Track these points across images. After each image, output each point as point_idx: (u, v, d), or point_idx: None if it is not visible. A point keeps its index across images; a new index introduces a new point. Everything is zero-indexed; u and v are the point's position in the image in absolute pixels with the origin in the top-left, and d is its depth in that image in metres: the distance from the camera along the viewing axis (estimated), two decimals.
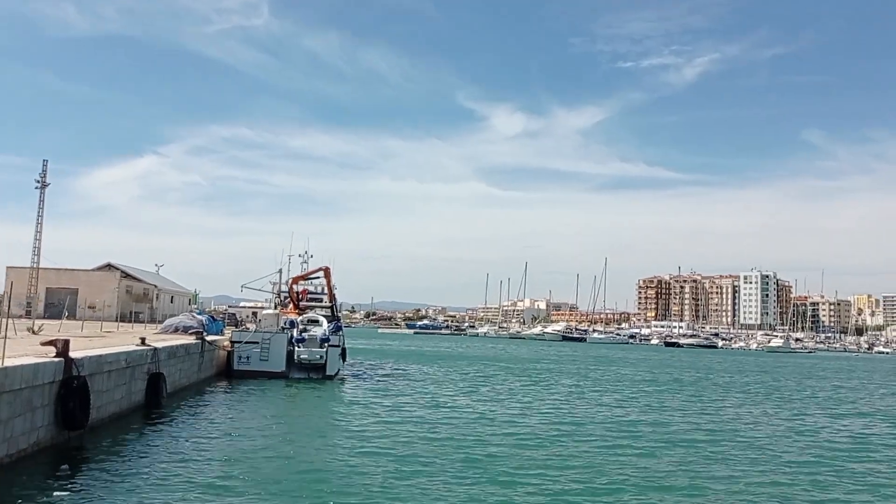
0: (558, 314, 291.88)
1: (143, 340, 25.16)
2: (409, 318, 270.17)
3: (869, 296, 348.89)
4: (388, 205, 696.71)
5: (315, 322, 41.48)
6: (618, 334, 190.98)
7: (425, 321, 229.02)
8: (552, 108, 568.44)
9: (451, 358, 69.95)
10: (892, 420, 31.27)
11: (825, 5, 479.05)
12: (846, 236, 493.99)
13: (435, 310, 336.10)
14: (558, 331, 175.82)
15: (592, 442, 21.45)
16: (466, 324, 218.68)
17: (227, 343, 38.49)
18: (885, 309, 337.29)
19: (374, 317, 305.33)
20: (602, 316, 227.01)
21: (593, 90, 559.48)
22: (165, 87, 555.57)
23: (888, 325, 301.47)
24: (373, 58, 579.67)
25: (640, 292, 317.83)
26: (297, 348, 38.02)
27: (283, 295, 48.24)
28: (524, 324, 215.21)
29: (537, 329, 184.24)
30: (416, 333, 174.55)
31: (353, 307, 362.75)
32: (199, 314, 43.17)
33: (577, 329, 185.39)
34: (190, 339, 32.64)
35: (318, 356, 37.97)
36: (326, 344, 38.46)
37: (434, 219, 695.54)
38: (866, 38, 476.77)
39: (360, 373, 45.35)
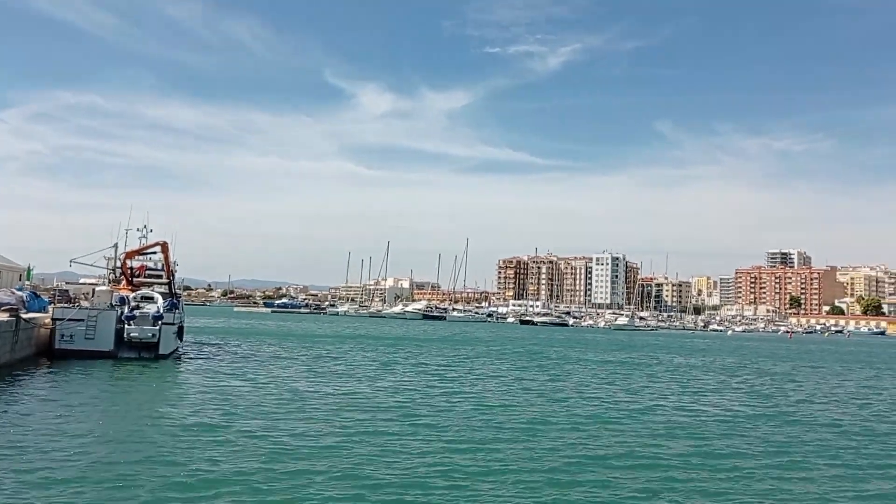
0: (421, 293, 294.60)
1: None
2: (269, 297, 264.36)
3: (708, 278, 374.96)
4: (251, 181, 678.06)
5: (150, 299, 39.62)
6: (476, 313, 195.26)
7: (284, 300, 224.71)
8: (421, 89, 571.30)
9: (301, 336, 68.97)
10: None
11: (679, 2, 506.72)
12: (690, 222, 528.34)
13: (296, 288, 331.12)
14: (419, 309, 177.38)
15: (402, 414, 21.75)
16: (327, 303, 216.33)
17: (48, 321, 36.06)
18: (721, 290, 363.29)
19: (231, 295, 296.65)
20: (463, 295, 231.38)
21: (461, 73, 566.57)
22: (5, 48, 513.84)
23: (723, 304, 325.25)
24: (238, 28, 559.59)
25: (499, 272, 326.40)
26: (127, 326, 36.22)
27: (118, 271, 45.76)
28: (385, 302, 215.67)
29: (398, 308, 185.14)
30: (273, 312, 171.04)
31: (209, 285, 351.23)
32: (19, 290, 40.20)
33: (437, 308, 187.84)
34: (2, 316, 30.32)
35: (149, 334, 36.33)
36: (160, 322, 36.82)
37: (298, 196, 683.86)
38: (716, 35, 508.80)
39: (197, 352, 43.81)
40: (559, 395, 29.11)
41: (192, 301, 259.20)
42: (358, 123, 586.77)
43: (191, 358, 39.67)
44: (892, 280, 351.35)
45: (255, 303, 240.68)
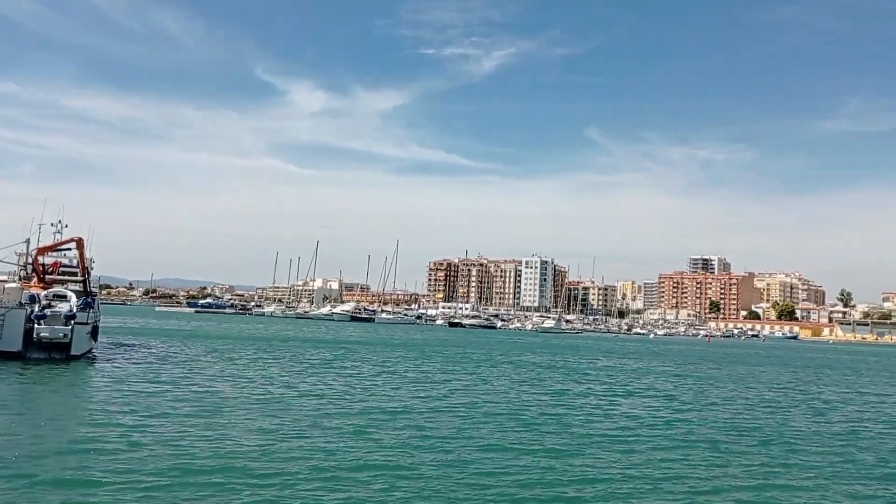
0: (350, 294, 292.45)
1: None
2: (193, 297, 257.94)
3: (633, 282, 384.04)
4: (176, 176, 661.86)
5: (62, 297, 37.94)
6: (405, 315, 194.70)
7: (209, 300, 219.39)
8: (354, 88, 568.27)
9: (222, 338, 67.32)
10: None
11: (611, 12, 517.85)
12: (617, 227, 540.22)
13: (221, 288, 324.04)
14: (347, 311, 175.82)
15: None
16: (253, 303, 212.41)
17: None
18: (645, 294, 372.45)
19: (153, 294, 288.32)
20: (393, 296, 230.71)
21: (396, 74, 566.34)
22: None
23: (647, 308, 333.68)
24: (165, 18, 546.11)
25: (430, 274, 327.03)
26: (37, 325, 34.58)
27: (29, 267, 43.71)
28: (313, 304, 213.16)
29: (326, 309, 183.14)
30: (196, 312, 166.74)
31: (130, 283, 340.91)
32: None
33: (366, 309, 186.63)
34: None
35: (61, 334, 34.76)
36: (72, 321, 35.27)
37: (225, 193, 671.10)
38: (643, 46, 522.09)
39: (111, 353, 42.17)
40: (478, 398, 29.07)
41: (111, 300, 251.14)
42: (289, 121, 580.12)
43: (105, 359, 38.11)
44: (805, 287, 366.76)
45: (178, 302, 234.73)
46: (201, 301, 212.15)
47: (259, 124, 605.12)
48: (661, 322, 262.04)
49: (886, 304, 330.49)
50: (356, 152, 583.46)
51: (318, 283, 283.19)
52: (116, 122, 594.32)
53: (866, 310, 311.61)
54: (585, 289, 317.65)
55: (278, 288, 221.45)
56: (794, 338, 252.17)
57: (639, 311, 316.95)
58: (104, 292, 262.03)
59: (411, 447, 17.84)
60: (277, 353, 49.18)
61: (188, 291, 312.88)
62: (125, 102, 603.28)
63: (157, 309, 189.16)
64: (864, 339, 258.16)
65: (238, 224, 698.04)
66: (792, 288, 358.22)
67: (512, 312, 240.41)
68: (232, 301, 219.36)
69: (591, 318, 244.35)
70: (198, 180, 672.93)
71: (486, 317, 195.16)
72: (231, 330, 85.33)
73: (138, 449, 16.10)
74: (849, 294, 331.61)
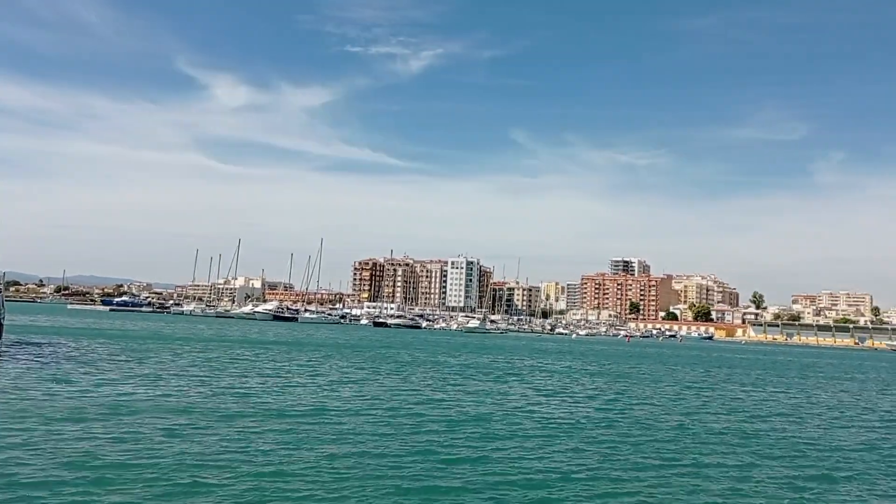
0: (273, 293, 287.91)
1: None
2: (108, 295, 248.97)
3: (556, 283, 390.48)
4: (91, 169, 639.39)
5: None
6: (329, 314, 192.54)
7: (124, 298, 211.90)
8: (279, 83, 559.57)
9: (136, 338, 65.07)
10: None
11: (537, 15, 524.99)
12: (542, 228, 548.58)
13: (139, 286, 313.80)
14: (269, 310, 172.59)
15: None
16: (172, 302, 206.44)
17: None
18: (568, 295, 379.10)
19: (66, 291, 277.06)
20: (317, 296, 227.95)
21: (322, 70, 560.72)
22: None
23: (570, 309, 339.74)
24: (79, 6, 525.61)
25: (355, 274, 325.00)
26: None
27: None
28: (235, 302, 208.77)
29: (247, 308, 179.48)
30: (111, 311, 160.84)
31: (41, 280, 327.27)
32: None
33: (288, 308, 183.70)
34: None
35: None
36: None
37: (144, 188, 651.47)
38: (568, 50, 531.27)
39: (15, 352, 40.09)
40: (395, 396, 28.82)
41: (20, 297, 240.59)
42: (211, 115, 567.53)
43: (5, 359, 36.17)
44: (721, 289, 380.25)
45: (92, 300, 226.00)
46: (117, 299, 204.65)
47: (179, 118, 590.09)
48: (583, 322, 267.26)
49: (795, 307, 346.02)
50: (280, 149, 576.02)
51: (239, 282, 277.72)
52: (25, 112, 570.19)
53: (777, 311, 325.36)
54: (510, 289, 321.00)
55: (198, 286, 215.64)
56: (710, 338, 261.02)
57: (562, 312, 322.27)
58: (12, 289, 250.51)
59: (325, 450, 17.43)
60: (193, 353, 47.71)
61: (103, 289, 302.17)
62: (34, 91, 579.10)
63: (69, 307, 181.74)
64: (774, 339, 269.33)
65: (156, 220, 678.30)
66: (708, 290, 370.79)
67: (437, 312, 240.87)
68: (149, 299, 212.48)
69: (515, 318, 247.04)
70: (114, 174, 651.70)
71: (411, 316, 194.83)
72: (146, 329, 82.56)
73: (37, 449, 15.21)
74: (761, 296, 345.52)
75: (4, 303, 43.62)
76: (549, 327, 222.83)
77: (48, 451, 15.42)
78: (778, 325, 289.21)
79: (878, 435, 25.68)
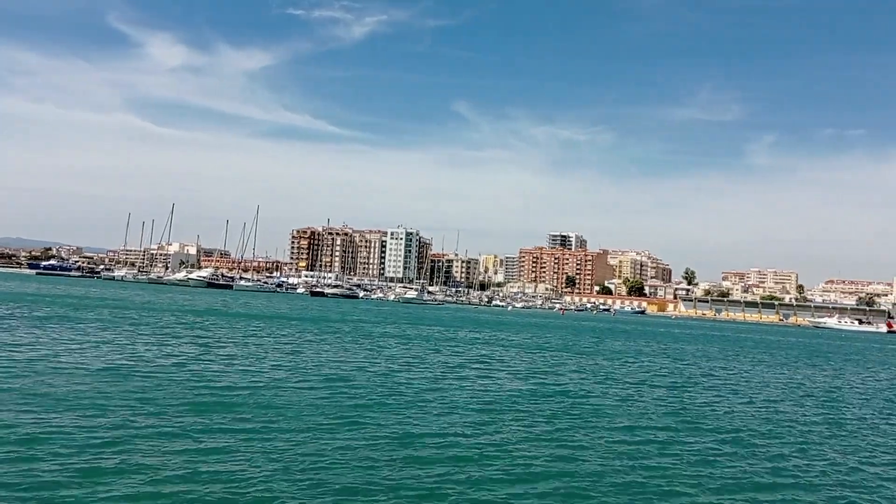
0: (209, 260, 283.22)
1: None
2: (36, 258, 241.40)
3: (495, 256, 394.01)
4: (19, 127, 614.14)
5: None
6: (266, 282, 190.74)
7: (53, 261, 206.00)
8: (217, 44, 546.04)
9: (64, 304, 63.74)
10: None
11: None
12: (482, 202, 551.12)
13: (68, 249, 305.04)
14: (203, 277, 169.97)
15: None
16: (102, 266, 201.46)
17: None
18: (506, 268, 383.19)
19: None
20: (254, 264, 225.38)
21: (262, 32, 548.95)
22: None
23: (508, 281, 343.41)
24: None
25: (293, 242, 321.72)
26: None
27: None
28: (169, 268, 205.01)
29: (181, 274, 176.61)
30: (38, 275, 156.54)
31: None
32: None
33: (224, 276, 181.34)
34: None
35: None
36: None
37: (75, 149, 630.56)
38: (513, 23, 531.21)
39: None
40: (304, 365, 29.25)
41: None
42: (145, 75, 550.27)
43: None
44: (654, 265, 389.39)
45: (18, 263, 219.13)
46: (44, 263, 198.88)
47: (113, 77, 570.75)
48: (520, 295, 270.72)
49: (725, 283, 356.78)
50: (218, 113, 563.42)
51: (174, 248, 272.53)
52: None
53: (707, 288, 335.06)
54: (449, 261, 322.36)
55: (130, 251, 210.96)
56: (642, 312, 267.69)
57: (500, 285, 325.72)
58: None
59: (255, 426, 17.76)
60: (118, 319, 47.10)
61: (30, 252, 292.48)
62: None
63: None
64: (703, 314, 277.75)
65: (88, 182, 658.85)
66: (642, 266, 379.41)
67: (376, 283, 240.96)
68: (79, 263, 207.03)
69: (453, 290, 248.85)
70: (44, 133, 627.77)
71: (348, 286, 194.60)
72: (72, 293, 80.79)
73: None
74: (693, 272, 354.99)
75: None
76: (487, 299, 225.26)
77: None
78: (708, 301, 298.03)
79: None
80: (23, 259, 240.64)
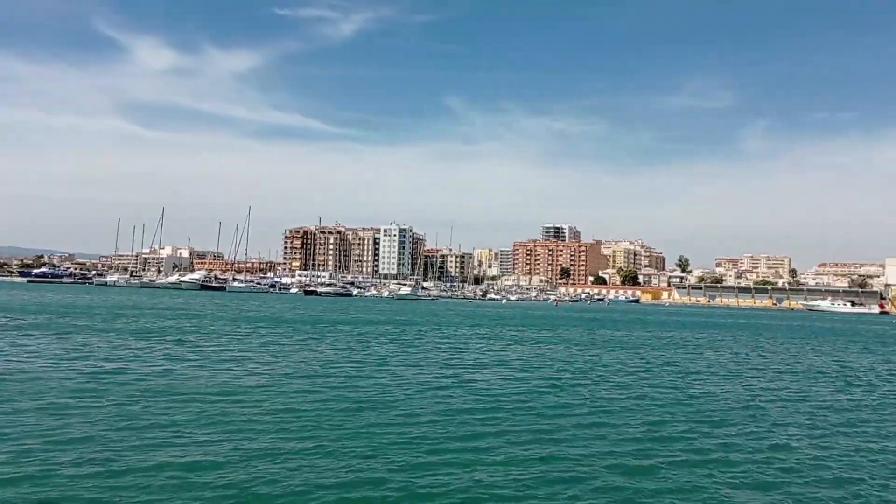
0: (202, 262, 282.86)
1: None
2: (28, 266, 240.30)
3: (489, 250, 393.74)
4: (6, 135, 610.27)
5: None
6: (259, 283, 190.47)
7: (44, 269, 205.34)
8: (204, 46, 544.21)
9: (54, 312, 63.60)
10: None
11: None
12: (475, 196, 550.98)
13: (60, 256, 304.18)
14: (196, 279, 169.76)
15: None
16: (94, 272, 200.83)
17: None
18: (501, 261, 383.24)
19: None
20: (247, 265, 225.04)
21: (250, 33, 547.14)
22: None
23: (502, 275, 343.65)
24: None
25: (286, 242, 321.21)
26: None
27: None
28: (161, 272, 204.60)
29: (173, 278, 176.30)
30: (30, 283, 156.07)
31: None
32: None
33: (216, 278, 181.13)
34: None
35: None
36: None
37: (64, 155, 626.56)
38: (503, 16, 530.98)
39: None
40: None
41: None
42: (133, 79, 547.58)
43: None
44: (648, 253, 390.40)
45: (10, 272, 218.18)
46: (35, 270, 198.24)
47: (100, 82, 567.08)
48: (514, 288, 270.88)
49: (718, 270, 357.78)
50: (207, 115, 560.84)
51: (167, 251, 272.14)
52: None
53: (701, 275, 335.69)
54: (443, 256, 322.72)
55: (123, 256, 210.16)
56: (636, 301, 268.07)
57: (494, 278, 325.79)
58: None
59: (243, 427, 17.75)
60: (107, 324, 46.98)
61: (22, 260, 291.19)
62: None
63: None
64: (697, 301, 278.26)
65: (79, 188, 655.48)
66: (635, 255, 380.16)
67: (370, 280, 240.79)
68: (70, 270, 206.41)
69: (447, 284, 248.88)
70: (31, 140, 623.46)
71: (341, 284, 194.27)
72: (62, 301, 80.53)
73: None
74: (686, 260, 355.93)
75: None
76: (481, 293, 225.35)
77: None
78: (701, 288, 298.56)
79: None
80: (14, 267, 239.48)
